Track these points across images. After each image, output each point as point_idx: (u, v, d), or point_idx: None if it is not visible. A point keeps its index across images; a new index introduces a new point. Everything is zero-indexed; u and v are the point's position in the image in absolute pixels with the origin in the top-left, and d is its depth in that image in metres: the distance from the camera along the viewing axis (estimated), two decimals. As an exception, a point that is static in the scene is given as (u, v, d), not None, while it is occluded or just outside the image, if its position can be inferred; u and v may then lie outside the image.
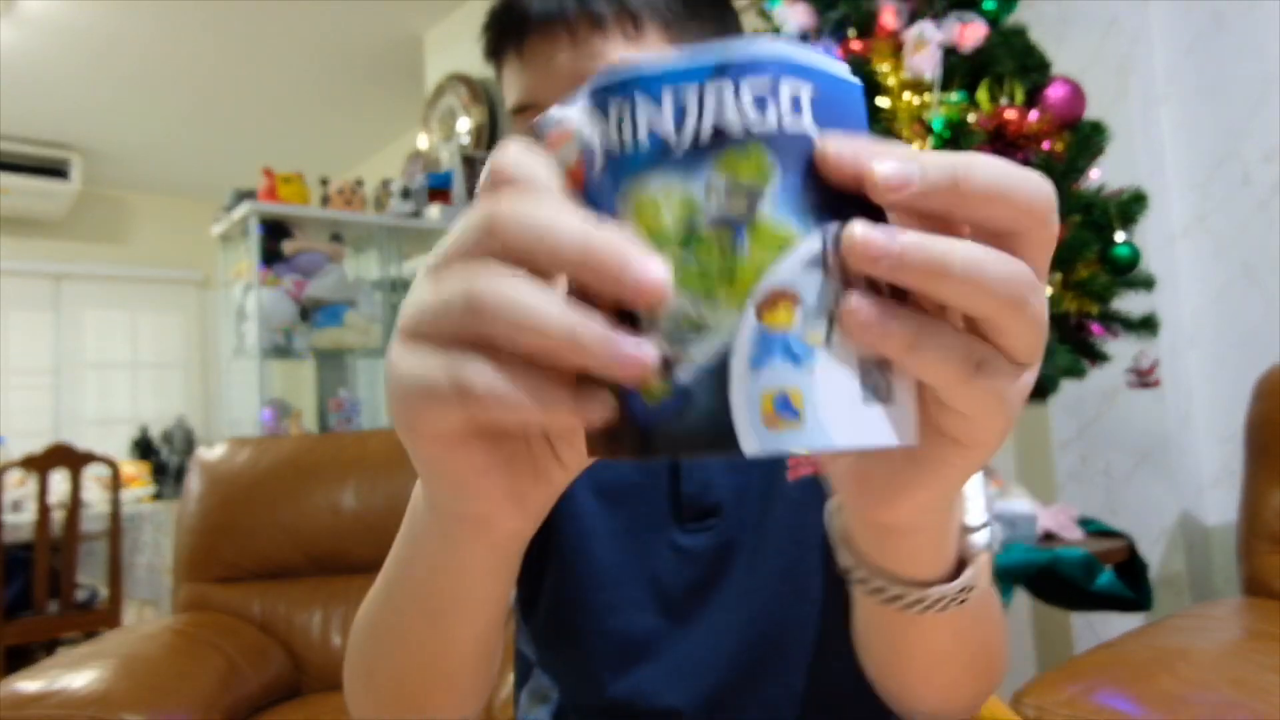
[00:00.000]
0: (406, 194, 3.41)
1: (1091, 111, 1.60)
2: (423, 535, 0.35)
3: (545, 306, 0.21)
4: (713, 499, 0.58)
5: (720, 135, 0.22)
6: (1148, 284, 1.58)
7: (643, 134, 0.22)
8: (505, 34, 0.54)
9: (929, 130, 1.50)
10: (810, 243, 0.22)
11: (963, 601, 0.36)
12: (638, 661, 0.57)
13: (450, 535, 0.33)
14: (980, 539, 0.35)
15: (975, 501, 0.36)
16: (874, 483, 0.30)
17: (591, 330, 0.21)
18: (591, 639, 0.58)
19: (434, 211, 3.37)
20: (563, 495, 0.53)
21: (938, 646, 0.41)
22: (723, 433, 0.21)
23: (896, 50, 1.57)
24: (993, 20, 1.59)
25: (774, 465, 0.58)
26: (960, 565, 0.36)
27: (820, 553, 0.56)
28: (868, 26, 1.61)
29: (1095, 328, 1.59)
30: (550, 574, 0.59)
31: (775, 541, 0.57)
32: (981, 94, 1.55)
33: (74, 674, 1.29)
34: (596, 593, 0.58)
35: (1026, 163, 1.53)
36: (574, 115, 0.24)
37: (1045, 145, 1.55)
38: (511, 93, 0.54)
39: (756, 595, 0.57)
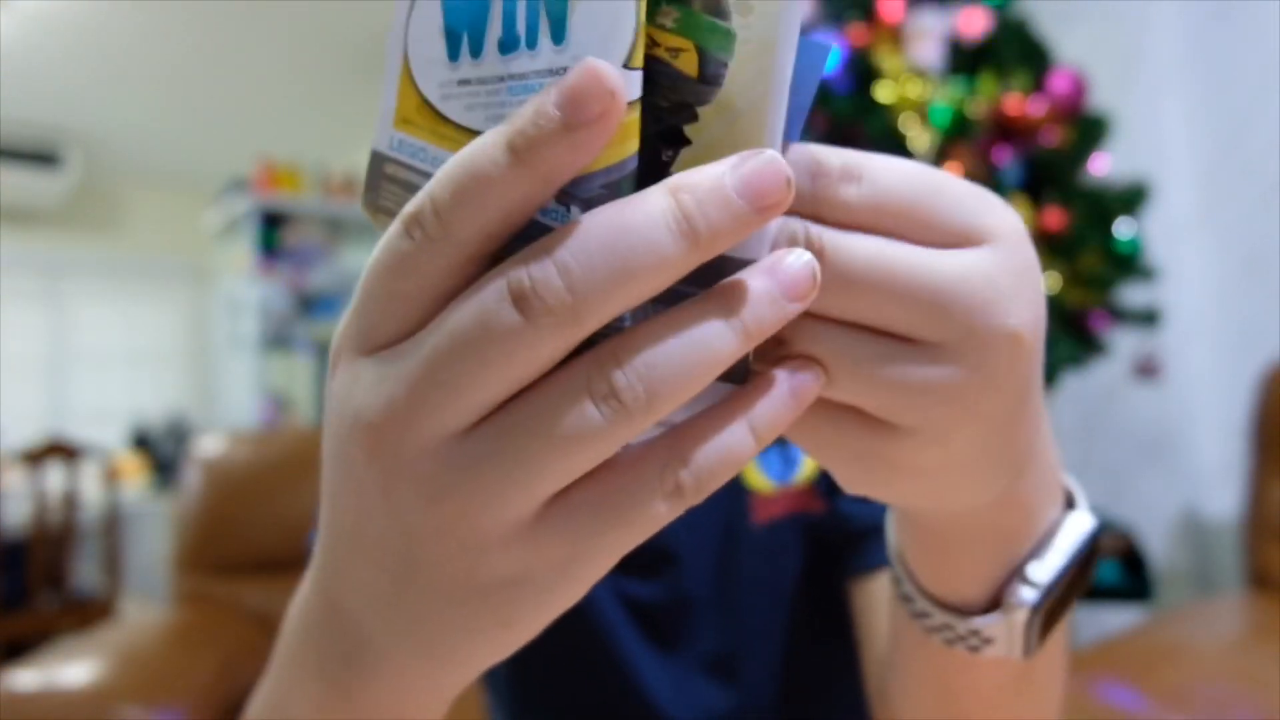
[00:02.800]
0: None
1: (1096, 102, 1.59)
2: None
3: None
4: (662, 542, 0.50)
5: None
6: (1151, 275, 1.57)
7: None
8: None
9: (931, 120, 1.49)
10: None
11: (974, 648, 0.32)
12: None
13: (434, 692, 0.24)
14: (1027, 595, 0.30)
15: (1054, 552, 0.31)
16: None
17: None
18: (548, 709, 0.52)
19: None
20: None
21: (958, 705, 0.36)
22: None
23: (898, 39, 1.56)
24: (996, 9, 1.58)
25: (735, 507, 0.50)
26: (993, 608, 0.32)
27: (799, 605, 0.50)
28: (869, 15, 1.60)
29: (1097, 319, 1.58)
30: None
31: (747, 597, 0.50)
32: (984, 83, 1.54)
33: (71, 667, 1.28)
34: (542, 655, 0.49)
35: (1029, 153, 1.53)
36: None
37: (1049, 135, 1.54)
38: None
39: (726, 660, 0.50)
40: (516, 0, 0.19)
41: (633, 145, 0.18)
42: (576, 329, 0.17)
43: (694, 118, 0.19)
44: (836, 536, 0.48)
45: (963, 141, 1.48)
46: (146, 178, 5.33)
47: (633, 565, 0.50)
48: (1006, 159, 1.51)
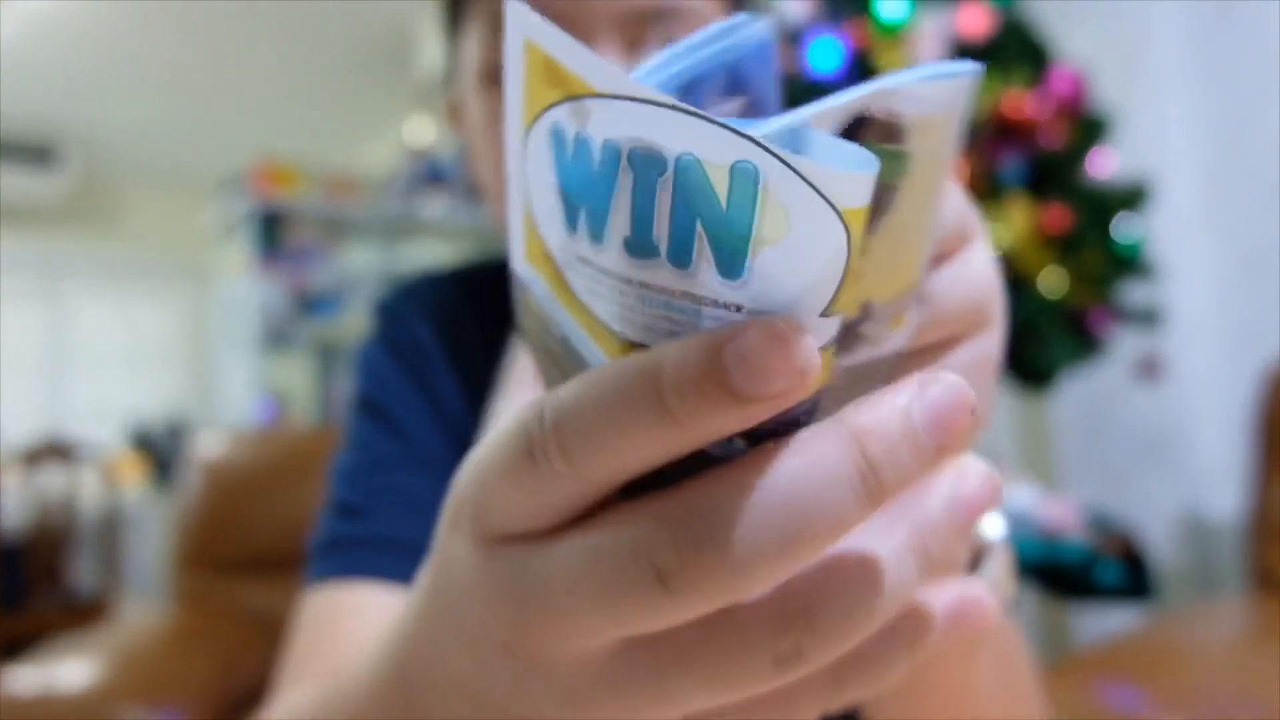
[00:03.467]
0: (405, 184, 3.39)
1: (1098, 101, 1.59)
2: None
3: None
4: None
5: None
6: (1153, 274, 1.57)
7: None
8: None
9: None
10: None
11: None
12: None
13: None
14: (995, 528, 0.31)
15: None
16: None
17: None
18: None
19: (433, 202, 3.35)
20: None
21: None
22: None
23: (899, 39, 1.56)
24: (998, 8, 1.57)
25: None
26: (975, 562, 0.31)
27: None
28: (870, 14, 1.60)
29: (1098, 319, 1.58)
30: None
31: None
32: (986, 82, 1.54)
33: (71, 666, 1.28)
34: None
35: (1031, 152, 1.53)
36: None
37: (1050, 135, 1.53)
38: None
39: None
40: (654, 203, 0.15)
41: (817, 385, 0.15)
42: (732, 598, 0.15)
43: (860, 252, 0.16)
44: None
45: (963, 140, 1.47)
46: (145, 177, 5.32)
47: None
48: (1008, 158, 1.51)
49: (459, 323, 0.50)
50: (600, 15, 0.41)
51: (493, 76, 0.43)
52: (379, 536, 0.43)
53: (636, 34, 0.43)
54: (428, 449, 0.47)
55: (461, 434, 0.48)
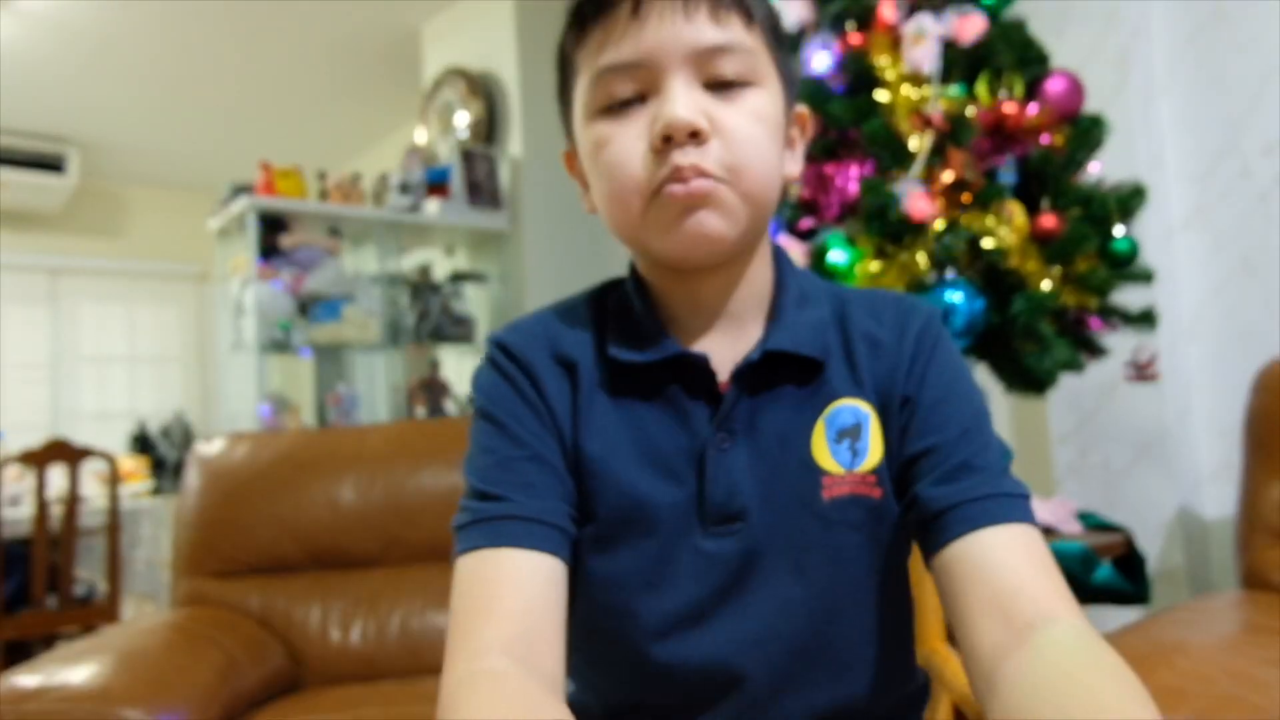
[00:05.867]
0: (405, 188, 3.40)
1: (1091, 104, 1.60)
2: None
3: None
4: (738, 504, 0.57)
5: None
6: (1147, 277, 1.58)
7: None
8: None
9: (927, 124, 1.49)
10: None
11: None
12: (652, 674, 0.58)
13: None
14: None
15: None
16: None
17: None
18: (611, 645, 0.60)
19: (432, 206, 3.36)
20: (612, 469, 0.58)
21: None
22: None
23: (895, 44, 1.57)
24: (992, 13, 1.58)
25: (805, 480, 0.58)
26: None
27: (857, 571, 0.58)
28: (866, 19, 1.61)
29: (1094, 321, 1.59)
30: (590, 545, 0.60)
31: (810, 558, 0.58)
32: (980, 87, 1.55)
33: (72, 668, 1.29)
34: (618, 591, 0.59)
35: (1025, 156, 1.54)
36: None
37: (1044, 138, 1.54)
38: (613, 51, 0.54)
39: (785, 608, 0.57)
40: None
41: None
42: None
43: None
44: (911, 519, 0.56)
45: (959, 145, 1.48)
46: (148, 181, 5.34)
47: (711, 522, 0.58)
48: (1002, 162, 1.52)
49: (560, 343, 0.61)
50: (672, 53, 0.52)
51: (596, 113, 0.55)
52: (514, 514, 0.54)
53: (704, 68, 0.53)
54: (539, 449, 0.58)
55: (567, 436, 0.59)
